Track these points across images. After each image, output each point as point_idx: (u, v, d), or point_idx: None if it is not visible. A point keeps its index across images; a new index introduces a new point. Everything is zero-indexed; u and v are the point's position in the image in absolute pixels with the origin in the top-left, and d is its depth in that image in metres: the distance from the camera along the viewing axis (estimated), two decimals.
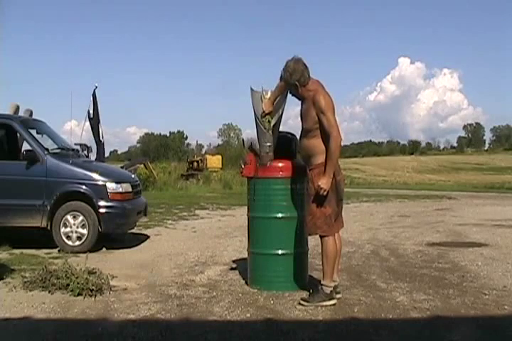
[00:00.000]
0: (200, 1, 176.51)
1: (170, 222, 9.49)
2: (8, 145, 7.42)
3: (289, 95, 4.21)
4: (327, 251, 3.91)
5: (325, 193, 3.79)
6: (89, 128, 11.11)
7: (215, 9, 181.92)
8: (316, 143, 3.89)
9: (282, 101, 4.31)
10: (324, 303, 3.84)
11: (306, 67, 3.97)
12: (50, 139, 7.11)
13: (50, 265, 4.88)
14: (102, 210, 6.28)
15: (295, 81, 3.94)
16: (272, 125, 4.27)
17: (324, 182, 3.77)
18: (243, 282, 4.62)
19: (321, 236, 3.94)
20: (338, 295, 3.99)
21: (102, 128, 11.22)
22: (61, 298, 4.11)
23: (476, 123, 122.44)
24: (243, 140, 6.47)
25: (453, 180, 42.82)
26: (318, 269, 5.12)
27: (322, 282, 3.93)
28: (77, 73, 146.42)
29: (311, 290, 4.03)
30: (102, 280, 4.32)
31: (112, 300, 4.04)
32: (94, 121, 11.34)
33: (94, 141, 11.12)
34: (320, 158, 3.86)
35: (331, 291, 3.89)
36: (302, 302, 3.88)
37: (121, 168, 13.94)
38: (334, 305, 3.85)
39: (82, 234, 6.25)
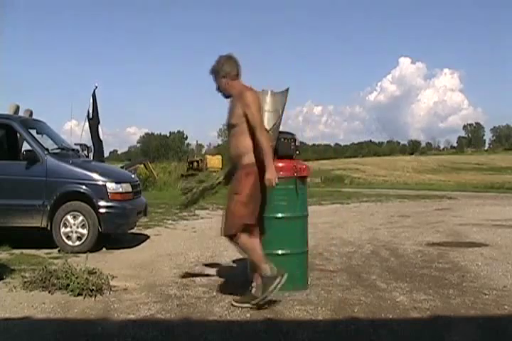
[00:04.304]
0: (201, 2, 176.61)
1: (170, 222, 9.48)
2: (8, 145, 7.42)
3: None
4: (246, 246, 3.81)
5: (274, 184, 3.73)
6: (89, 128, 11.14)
7: (216, 9, 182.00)
8: (243, 141, 3.84)
9: (282, 101, 4.31)
10: (277, 283, 3.71)
11: (238, 64, 3.98)
12: (50, 139, 7.11)
13: (50, 265, 4.89)
14: (102, 210, 6.28)
15: (224, 72, 3.92)
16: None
17: (269, 175, 3.70)
18: (243, 282, 4.61)
19: (234, 237, 3.83)
20: (282, 278, 3.78)
21: (102, 129, 11.25)
22: (61, 298, 4.11)
23: (476, 123, 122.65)
24: None
25: (453, 180, 42.73)
26: (318, 269, 5.14)
27: (262, 273, 3.81)
28: (77, 73, 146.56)
29: (251, 290, 3.90)
30: (102, 280, 4.32)
31: (112, 300, 4.04)
32: (94, 121, 11.37)
33: (92, 141, 11.16)
34: (247, 159, 3.82)
35: (271, 269, 3.76)
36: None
37: (121, 168, 13.96)
38: (284, 275, 3.74)
39: (82, 234, 6.24)
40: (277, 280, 3.75)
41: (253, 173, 3.80)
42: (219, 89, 4.03)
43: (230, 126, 3.94)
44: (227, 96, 4.03)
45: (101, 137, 11.31)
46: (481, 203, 13.57)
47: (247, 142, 3.83)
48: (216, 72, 3.97)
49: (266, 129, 3.91)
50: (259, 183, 3.80)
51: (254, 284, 3.88)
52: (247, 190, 3.79)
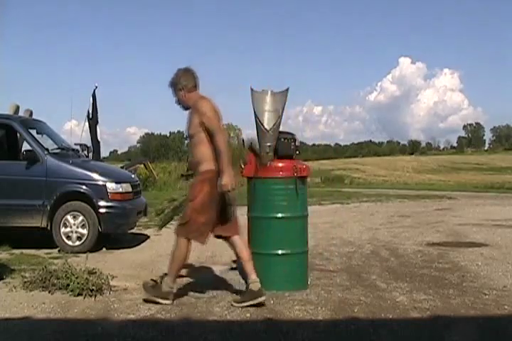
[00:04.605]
0: (203, 2, 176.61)
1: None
2: (8, 145, 7.42)
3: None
4: (179, 251, 3.92)
5: (232, 191, 3.80)
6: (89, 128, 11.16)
7: (216, 7, 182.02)
8: (200, 150, 3.89)
9: (282, 101, 4.31)
10: (159, 301, 3.85)
11: (195, 76, 4.03)
12: (50, 139, 7.12)
13: (50, 265, 4.89)
14: (102, 210, 6.28)
15: (181, 85, 3.96)
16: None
17: (224, 182, 3.74)
18: (243, 282, 4.61)
19: (179, 236, 3.92)
20: (167, 301, 3.89)
21: (100, 129, 11.28)
22: (61, 298, 4.11)
23: (476, 123, 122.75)
24: (243, 140, 6.47)
25: (453, 180, 42.68)
26: (318, 269, 5.14)
27: (164, 281, 3.94)
28: (77, 73, 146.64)
29: (249, 287, 3.93)
30: (102, 280, 4.32)
31: (112, 300, 4.04)
32: (93, 121, 11.39)
33: (92, 141, 11.18)
34: (205, 166, 3.86)
35: (168, 290, 3.90)
36: (147, 298, 3.90)
37: (121, 168, 13.95)
38: (165, 302, 3.86)
39: (82, 234, 6.25)
40: (164, 301, 3.86)
41: (208, 180, 3.84)
42: (178, 101, 4.07)
43: (190, 137, 4.00)
44: (186, 108, 4.06)
45: (99, 137, 11.32)
46: (481, 203, 13.56)
47: (204, 150, 3.87)
48: (174, 85, 4.02)
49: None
50: (216, 191, 3.82)
51: (249, 281, 3.89)
52: (201, 196, 3.82)
